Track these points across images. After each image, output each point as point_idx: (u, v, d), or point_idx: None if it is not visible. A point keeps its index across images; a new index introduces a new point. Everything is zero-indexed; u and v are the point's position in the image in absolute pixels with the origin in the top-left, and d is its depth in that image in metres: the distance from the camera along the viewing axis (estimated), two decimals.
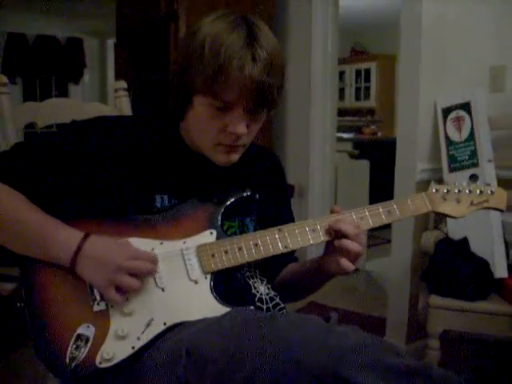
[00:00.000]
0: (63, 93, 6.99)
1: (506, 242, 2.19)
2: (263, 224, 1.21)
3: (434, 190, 1.22)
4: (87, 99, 6.96)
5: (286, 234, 1.13)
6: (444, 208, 1.21)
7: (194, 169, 1.20)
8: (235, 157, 1.15)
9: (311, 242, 1.14)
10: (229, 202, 1.16)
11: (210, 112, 1.08)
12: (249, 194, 1.18)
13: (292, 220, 1.31)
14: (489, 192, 1.23)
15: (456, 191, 1.22)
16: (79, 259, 1.04)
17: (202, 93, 1.06)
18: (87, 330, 1.03)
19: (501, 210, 1.25)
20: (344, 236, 1.11)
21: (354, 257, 1.12)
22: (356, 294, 3.58)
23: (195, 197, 1.16)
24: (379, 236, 4.68)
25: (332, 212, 1.16)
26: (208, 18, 1.09)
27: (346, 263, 1.11)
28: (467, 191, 1.22)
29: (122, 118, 1.27)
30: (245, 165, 1.26)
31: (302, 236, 1.13)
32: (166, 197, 1.16)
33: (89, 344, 1.01)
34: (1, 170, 1.12)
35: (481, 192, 1.22)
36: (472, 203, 1.22)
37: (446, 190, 1.22)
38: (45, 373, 1.09)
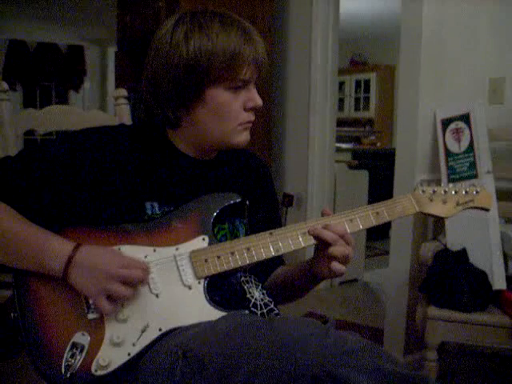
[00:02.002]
0: (63, 100, 7.01)
1: (504, 254, 2.19)
2: (253, 229, 1.21)
3: (420, 192, 1.23)
4: (87, 107, 6.98)
5: (278, 237, 1.14)
6: (431, 209, 1.23)
7: (183, 175, 1.20)
8: (249, 134, 1.21)
9: (302, 244, 1.14)
10: (220, 209, 1.16)
11: (227, 97, 1.13)
12: (239, 200, 1.19)
13: (280, 225, 1.31)
14: (474, 192, 1.25)
15: (442, 192, 1.24)
16: (71, 269, 1.04)
17: (220, 80, 1.11)
18: (82, 338, 1.02)
19: (486, 210, 1.26)
20: (326, 242, 1.12)
21: (342, 260, 1.12)
22: (354, 305, 3.57)
23: (186, 203, 1.17)
24: (377, 247, 4.68)
25: (323, 214, 1.17)
26: (182, 22, 1.12)
27: (336, 266, 1.12)
28: (453, 192, 1.24)
29: (111, 128, 1.27)
30: (235, 171, 1.28)
31: (293, 239, 1.14)
32: (156, 204, 1.16)
33: (84, 352, 1.01)
34: None
35: (466, 192, 1.25)
36: (458, 203, 1.24)
37: (432, 191, 1.24)
38: (40, 382, 1.09)
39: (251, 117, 1.18)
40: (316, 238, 1.13)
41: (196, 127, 1.17)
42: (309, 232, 1.13)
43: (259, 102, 1.17)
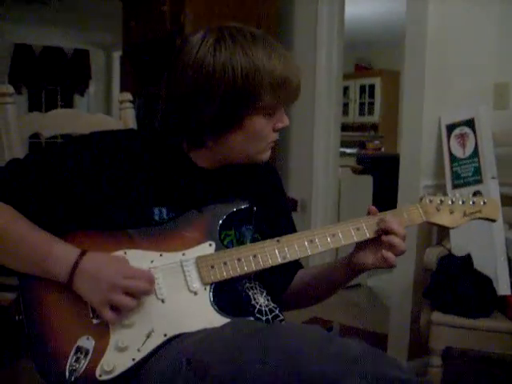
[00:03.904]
0: (68, 104, 7.02)
1: (509, 259, 2.19)
2: (263, 235, 1.21)
3: (428, 201, 1.23)
4: (92, 110, 6.98)
5: (285, 244, 1.14)
6: (438, 219, 1.23)
7: (191, 181, 1.20)
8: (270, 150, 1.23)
9: (309, 252, 1.15)
10: (227, 214, 1.16)
11: (264, 122, 1.14)
12: (247, 206, 1.19)
13: (294, 230, 1.32)
14: (481, 203, 1.24)
15: (449, 202, 1.23)
16: (76, 277, 1.04)
17: (262, 107, 1.11)
18: (87, 342, 1.02)
19: (493, 221, 1.26)
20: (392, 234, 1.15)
21: (397, 253, 1.16)
22: (358, 310, 3.56)
23: (193, 209, 1.16)
24: None
25: (369, 213, 1.19)
26: (224, 43, 1.09)
27: (391, 256, 1.15)
28: (460, 202, 1.24)
29: (119, 133, 1.27)
30: (243, 177, 1.28)
31: (300, 247, 1.15)
32: (164, 209, 1.16)
33: (89, 356, 1.01)
34: None
35: (473, 203, 1.24)
36: (465, 214, 1.24)
37: (439, 201, 1.23)
38: None
39: (277, 136, 1.20)
40: (385, 230, 1.15)
41: (224, 148, 1.17)
42: (378, 224, 1.16)
43: (287, 122, 1.19)
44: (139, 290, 1.04)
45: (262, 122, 1.14)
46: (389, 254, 1.15)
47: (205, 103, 1.10)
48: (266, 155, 1.21)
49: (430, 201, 1.23)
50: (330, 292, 1.34)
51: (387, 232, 1.16)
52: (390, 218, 1.17)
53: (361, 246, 1.20)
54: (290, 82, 1.12)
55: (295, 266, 1.33)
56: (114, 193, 1.13)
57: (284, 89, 1.12)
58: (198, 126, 1.13)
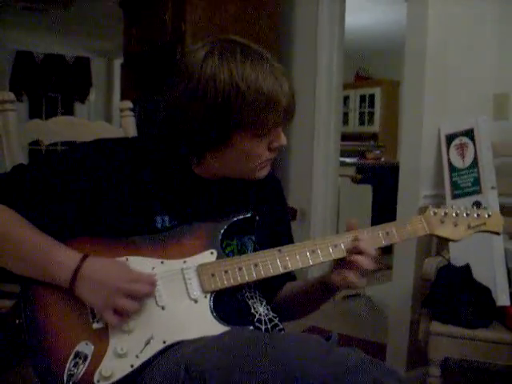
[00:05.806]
0: (69, 111, 7.04)
1: (508, 270, 2.18)
2: (263, 245, 1.21)
3: (432, 213, 1.22)
4: (93, 118, 7.00)
5: (286, 254, 1.14)
6: (441, 231, 1.23)
7: (194, 190, 1.21)
8: (270, 167, 1.21)
9: (310, 262, 1.15)
10: (229, 223, 1.17)
11: (255, 140, 1.12)
12: (249, 215, 1.19)
13: (291, 241, 1.32)
14: (486, 215, 1.24)
15: (454, 214, 1.23)
16: (78, 281, 1.04)
17: (248, 127, 1.09)
18: (86, 347, 1.02)
19: (497, 233, 1.25)
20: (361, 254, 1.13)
21: (363, 273, 1.14)
22: (356, 320, 3.55)
23: (196, 218, 1.17)
24: (381, 261, 4.66)
25: (348, 227, 1.18)
26: (212, 60, 1.08)
27: (353, 277, 1.13)
28: (464, 214, 1.23)
29: (123, 140, 1.28)
30: (246, 186, 1.27)
31: (302, 257, 1.14)
32: (166, 218, 1.16)
33: (87, 361, 1.01)
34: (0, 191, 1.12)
35: (478, 215, 1.23)
36: (469, 226, 1.23)
37: (443, 213, 1.23)
38: None
39: (274, 154, 1.18)
40: (357, 249, 1.13)
41: (219, 163, 1.17)
42: (352, 245, 1.14)
43: (284, 141, 1.16)
44: (141, 293, 1.05)
45: (251, 141, 1.12)
46: (350, 274, 1.13)
47: (190, 117, 1.09)
48: (261, 173, 1.20)
49: (435, 213, 1.22)
50: (308, 308, 1.33)
51: (357, 251, 1.14)
52: (363, 237, 1.15)
53: (336, 263, 1.19)
54: (277, 104, 1.09)
55: (285, 277, 1.31)
56: (116, 200, 1.14)
57: (271, 110, 1.08)
58: (188, 140, 1.13)
